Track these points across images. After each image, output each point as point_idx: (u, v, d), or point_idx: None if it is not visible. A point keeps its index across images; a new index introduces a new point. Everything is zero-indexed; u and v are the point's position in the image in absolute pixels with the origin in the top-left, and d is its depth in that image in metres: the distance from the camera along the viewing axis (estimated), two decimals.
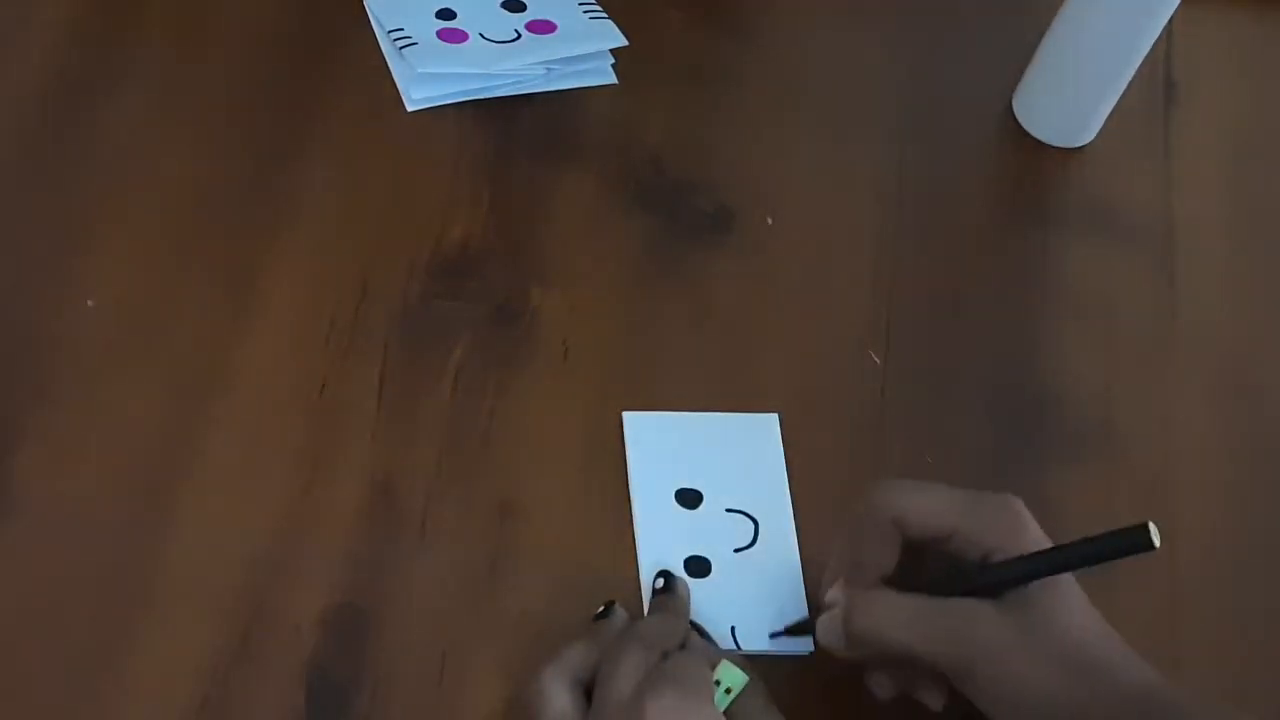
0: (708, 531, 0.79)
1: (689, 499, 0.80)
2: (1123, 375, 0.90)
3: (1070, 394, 0.88)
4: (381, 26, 0.96)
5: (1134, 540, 0.66)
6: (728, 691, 0.70)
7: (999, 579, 0.69)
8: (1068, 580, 0.70)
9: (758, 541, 0.79)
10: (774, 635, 0.77)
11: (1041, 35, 0.96)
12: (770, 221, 0.93)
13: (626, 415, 0.82)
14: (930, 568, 0.72)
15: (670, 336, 0.87)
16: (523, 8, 0.98)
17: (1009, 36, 1.02)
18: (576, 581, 0.77)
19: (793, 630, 0.76)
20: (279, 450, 0.80)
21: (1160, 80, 1.02)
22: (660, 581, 0.76)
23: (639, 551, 0.78)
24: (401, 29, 0.95)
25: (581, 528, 0.79)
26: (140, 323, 0.83)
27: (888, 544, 0.71)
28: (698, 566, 0.78)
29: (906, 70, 1.01)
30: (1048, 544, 0.70)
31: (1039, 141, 0.98)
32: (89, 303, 0.84)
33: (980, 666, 0.69)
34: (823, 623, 0.73)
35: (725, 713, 0.69)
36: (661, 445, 0.82)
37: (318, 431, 0.81)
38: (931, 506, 0.71)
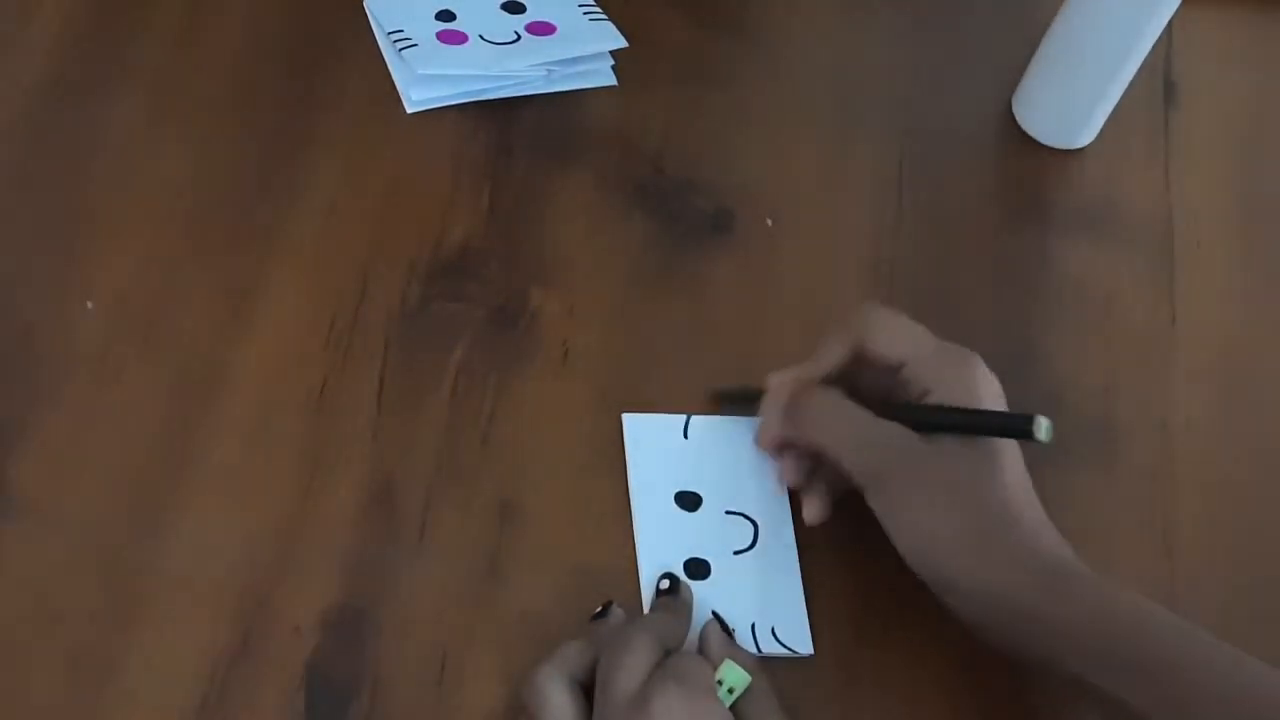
0: (707, 534, 0.79)
1: (688, 501, 0.80)
2: (1123, 375, 0.90)
3: (1070, 394, 0.88)
4: (381, 28, 0.96)
5: (1021, 427, 0.72)
6: (730, 691, 0.70)
7: (915, 419, 0.74)
8: (1007, 447, 0.73)
9: (757, 543, 0.79)
10: (720, 395, 0.83)
11: (1041, 35, 0.96)
12: (770, 222, 0.93)
13: (626, 417, 0.82)
14: (864, 394, 0.77)
15: (670, 337, 0.87)
16: (522, 9, 0.98)
17: (1009, 36, 1.02)
18: (576, 582, 0.77)
19: (736, 397, 0.82)
20: (279, 451, 0.80)
21: (1160, 80, 1.02)
22: (665, 583, 0.76)
23: (639, 554, 0.78)
24: (401, 30, 0.95)
25: (581, 528, 0.79)
26: (140, 323, 0.83)
27: (841, 346, 0.77)
28: (697, 569, 0.78)
29: (906, 70, 1.01)
30: (999, 405, 0.75)
31: (1039, 142, 0.98)
32: (88, 304, 0.84)
33: (897, 493, 0.73)
34: (766, 401, 0.79)
35: (731, 711, 0.69)
36: (661, 447, 0.82)
37: (318, 432, 0.81)
38: (895, 333, 0.77)
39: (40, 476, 0.78)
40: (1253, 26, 1.07)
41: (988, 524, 0.72)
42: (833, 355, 0.78)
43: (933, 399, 0.75)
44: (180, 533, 0.77)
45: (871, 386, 0.77)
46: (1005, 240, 0.95)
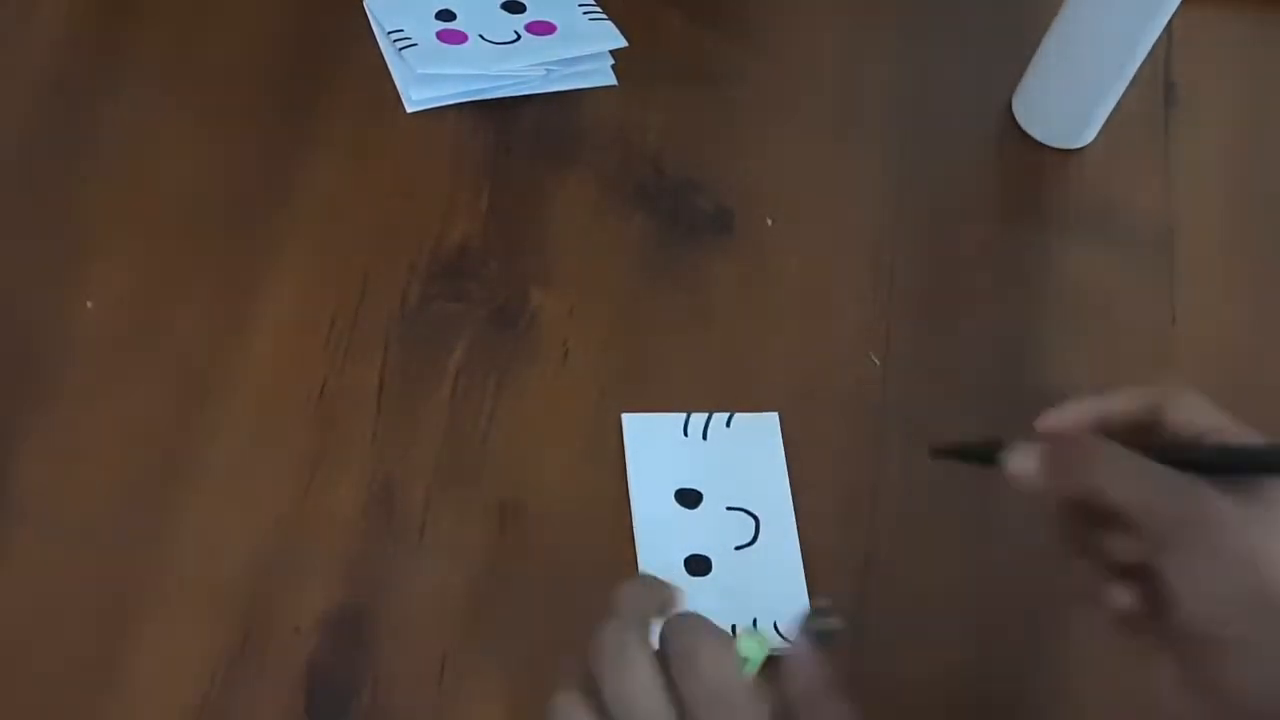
0: (708, 530, 0.79)
1: (689, 499, 0.80)
2: (1123, 376, 0.89)
3: (1070, 394, 0.88)
4: (381, 28, 0.96)
5: None
6: (745, 661, 0.65)
7: (1225, 459, 0.65)
8: None
9: (759, 538, 0.79)
10: (935, 453, 0.72)
11: (1041, 35, 0.96)
12: (770, 222, 0.93)
13: (625, 417, 0.82)
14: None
15: (670, 337, 0.87)
16: (522, 9, 0.98)
17: (1009, 36, 1.02)
18: (576, 583, 0.77)
19: (966, 455, 0.71)
20: (279, 451, 0.80)
21: (1160, 80, 1.02)
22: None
23: (639, 552, 0.78)
24: (401, 30, 0.95)
25: (581, 529, 0.79)
26: (140, 324, 0.83)
27: (1140, 399, 0.68)
28: (698, 565, 0.78)
29: (906, 70, 1.01)
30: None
31: (1039, 142, 0.98)
32: (88, 304, 0.84)
33: (1196, 536, 0.63)
34: (1026, 450, 0.68)
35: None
36: (661, 447, 0.82)
37: (317, 432, 0.81)
38: (1200, 409, 0.67)
39: (40, 476, 0.78)
40: (1253, 26, 1.07)
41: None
42: (1127, 400, 0.68)
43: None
44: (180, 533, 0.77)
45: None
46: (1005, 240, 0.95)
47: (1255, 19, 1.07)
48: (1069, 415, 0.69)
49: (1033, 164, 0.98)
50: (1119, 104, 0.96)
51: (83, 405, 0.80)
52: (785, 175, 0.95)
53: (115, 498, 0.78)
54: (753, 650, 0.65)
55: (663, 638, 0.63)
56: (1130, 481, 0.65)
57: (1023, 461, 0.68)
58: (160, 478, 0.78)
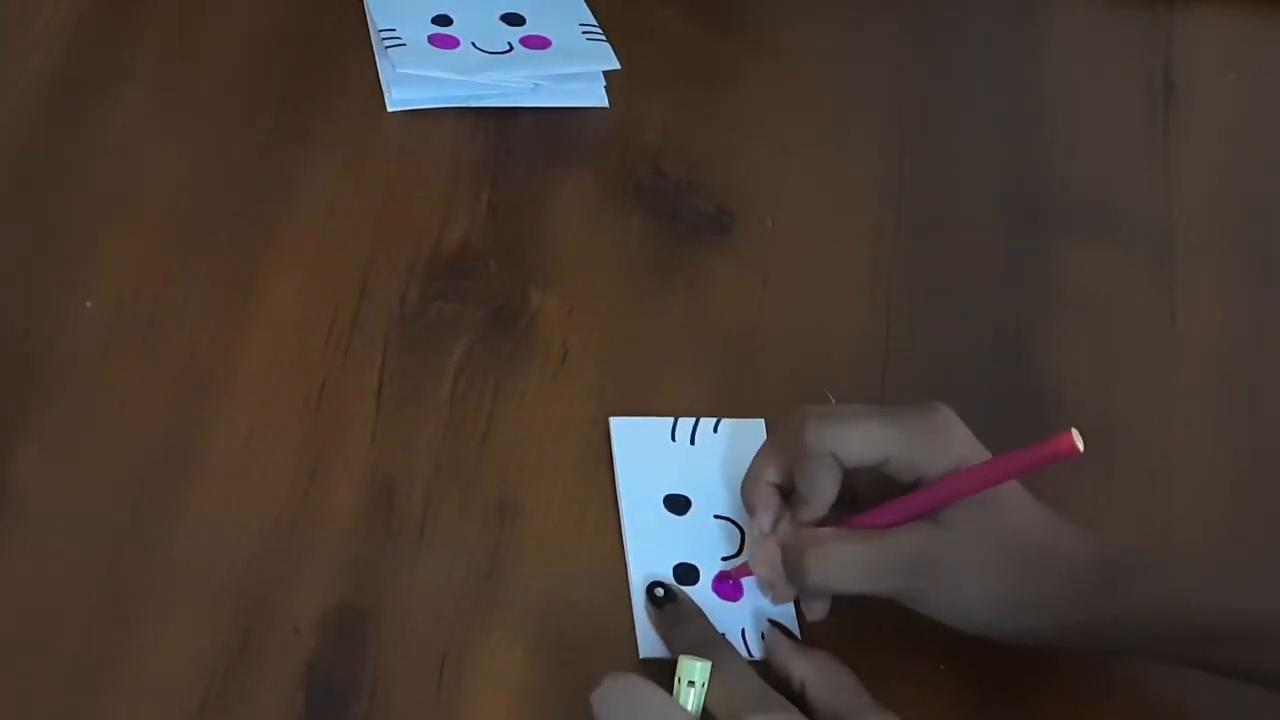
0: (696, 539, 0.79)
1: (677, 505, 0.80)
2: (1122, 376, 0.90)
3: (1070, 394, 0.88)
4: (375, 26, 0.96)
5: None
6: (691, 685, 0.67)
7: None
8: (1008, 489, 0.73)
9: (744, 550, 0.79)
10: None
11: (1041, 35, 0.96)
12: (770, 223, 0.93)
13: (613, 421, 0.82)
14: (859, 491, 0.74)
15: (669, 338, 0.87)
16: (522, 21, 0.97)
17: (1008, 36, 1.02)
18: (576, 583, 0.77)
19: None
20: (278, 452, 0.80)
21: (1160, 80, 1.02)
22: (660, 590, 0.76)
23: (628, 558, 0.78)
24: (394, 30, 0.95)
25: (581, 529, 0.79)
26: (139, 324, 0.83)
27: (831, 476, 0.73)
28: (687, 574, 0.78)
29: (906, 70, 1.01)
30: (979, 454, 0.73)
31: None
32: (88, 304, 0.84)
33: (932, 592, 0.72)
34: (763, 558, 0.75)
35: (714, 705, 0.67)
36: (649, 451, 0.81)
37: (316, 433, 0.81)
38: (865, 435, 0.74)
39: (40, 476, 0.78)
40: (1253, 26, 1.07)
41: (1025, 572, 0.72)
42: (826, 489, 0.73)
43: (931, 474, 0.73)
44: (180, 533, 0.77)
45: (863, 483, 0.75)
46: (1005, 240, 0.95)
47: (1255, 19, 1.07)
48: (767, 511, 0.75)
49: (1033, 164, 0.98)
50: (1119, 104, 0.96)
51: (83, 405, 0.80)
52: (785, 175, 0.95)
53: (115, 498, 0.78)
54: (698, 673, 0.67)
55: (597, 711, 0.67)
56: (862, 575, 0.73)
57: (768, 570, 0.75)
58: (159, 477, 0.78)
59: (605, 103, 0.96)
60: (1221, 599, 0.72)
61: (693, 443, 0.82)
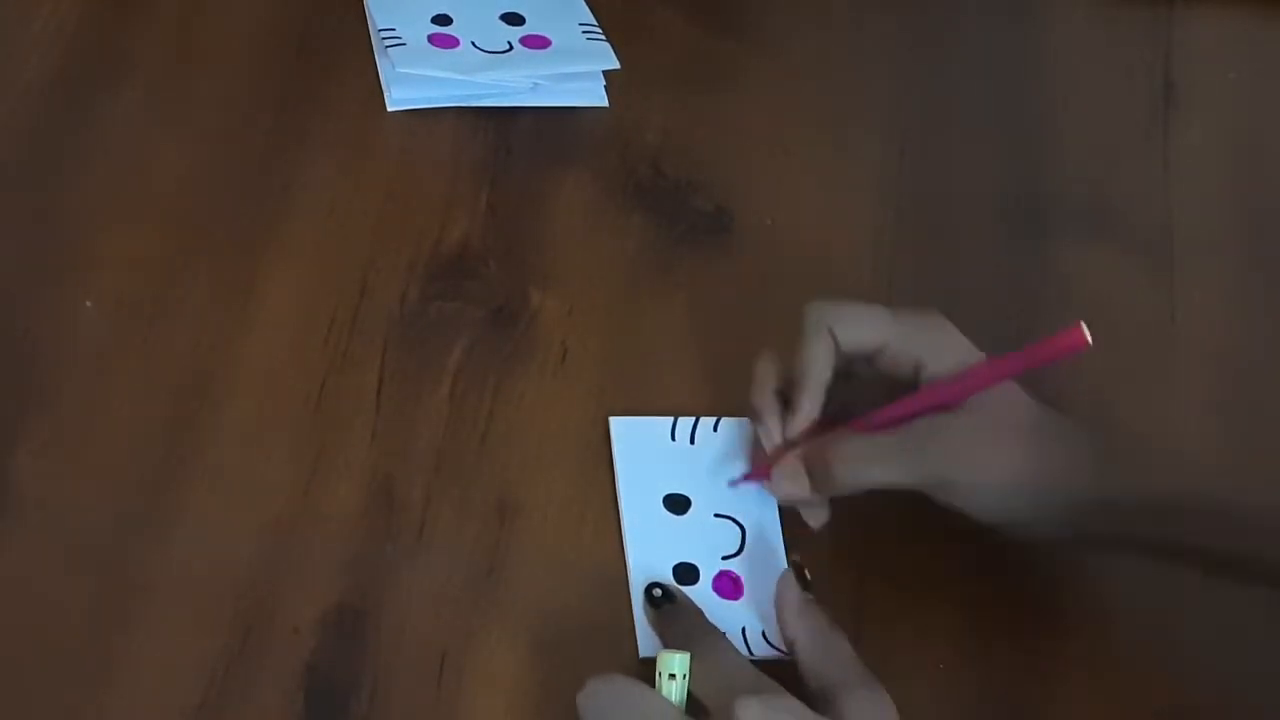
0: (696, 538, 0.79)
1: (677, 504, 0.80)
2: (1122, 376, 0.90)
3: (1069, 395, 0.88)
4: (375, 26, 0.96)
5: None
6: (672, 678, 0.67)
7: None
8: (1007, 388, 0.76)
9: (745, 548, 0.79)
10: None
11: (1041, 34, 0.96)
12: (770, 222, 0.93)
13: (613, 420, 0.82)
14: (864, 394, 0.76)
15: (669, 338, 0.87)
16: (521, 21, 0.97)
17: (1008, 36, 1.02)
18: (576, 583, 0.77)
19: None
20: (277, 451, 0.80)
21: (1160, 80, 1.02)
22: (659, 591, 0.76)
23: (628, 557, 0.78)
24: (393, 29, 0.95)
25: (581, 529, 0.79)
26: (139, 323, 0.83)
27: (827, 355, 0.76)
28: (686, 573, 0.78)
29: (906, 70, 1.01)
30: (973, 353, 0.76)
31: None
32: (88, 304, 0.84)
33: (953, 477, 0.74)
34: (787, 472, 0.76)
35: (698, 694, 0.67)
36: (648, 450, 0.81)
37: (316, 432, 0.81)
38: (863, 320, 0.76)
39: (40, 476, 0.78)
40: (1253, 26, 1.07)
41: (1040, 454, 0.74)
42: (822, 364, 0.76)
43: (928, 370, 0.75)
44: (180, 533, 0.77)
45: (859, 395, 0.77)
46: (1005, 240, 0.95)
47: (1255, 19, 1.07)
48: (800, 418, 0.76)
49: (1033, 164, 0.98)
50: (1118, 103, 0.96)
51: (83, 405, 0.80)
52: (785, 175, 0.95)
53: (115, 498, 0.78)
54: (677, 665, 0.67)
55: (584, 711, 0.67)
56: (889, 466, 0.74)
57: (790, 482, 0.76)
58: (159, 477, 0.78)
59: (605, 102, 0.96)
60: (1225, 486, 0.75)
61: (692, 442, 0.82)
